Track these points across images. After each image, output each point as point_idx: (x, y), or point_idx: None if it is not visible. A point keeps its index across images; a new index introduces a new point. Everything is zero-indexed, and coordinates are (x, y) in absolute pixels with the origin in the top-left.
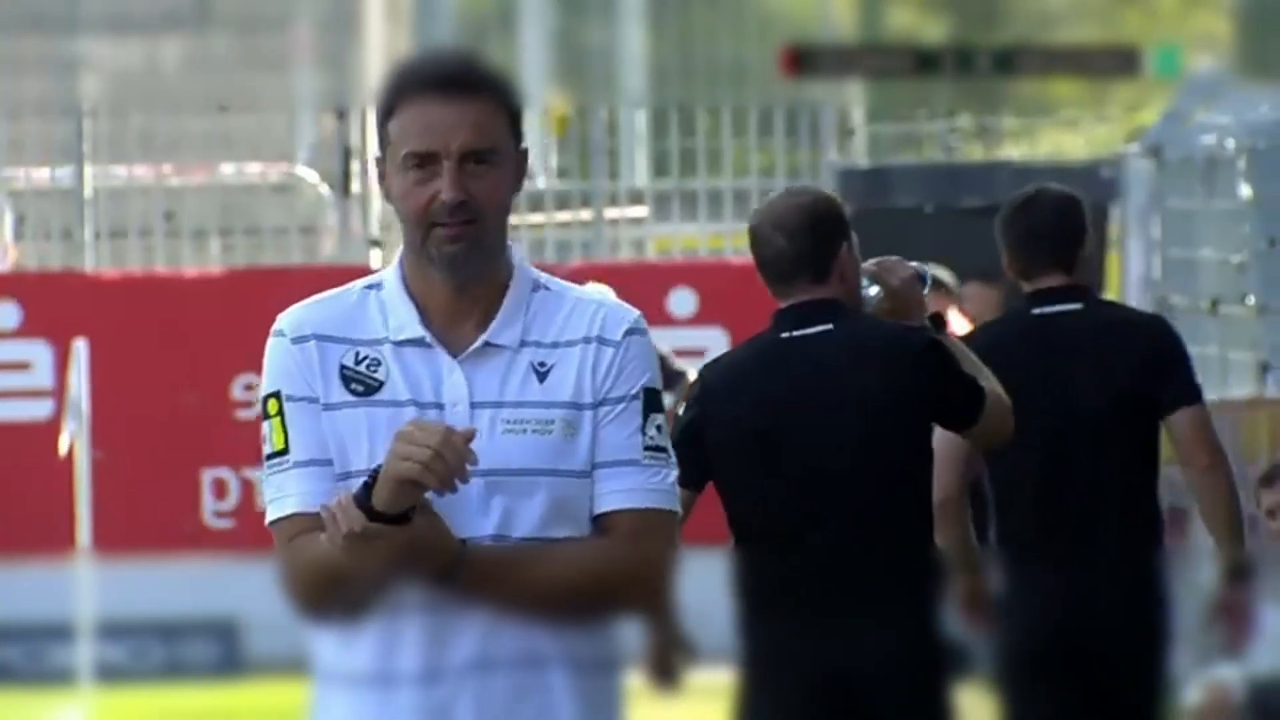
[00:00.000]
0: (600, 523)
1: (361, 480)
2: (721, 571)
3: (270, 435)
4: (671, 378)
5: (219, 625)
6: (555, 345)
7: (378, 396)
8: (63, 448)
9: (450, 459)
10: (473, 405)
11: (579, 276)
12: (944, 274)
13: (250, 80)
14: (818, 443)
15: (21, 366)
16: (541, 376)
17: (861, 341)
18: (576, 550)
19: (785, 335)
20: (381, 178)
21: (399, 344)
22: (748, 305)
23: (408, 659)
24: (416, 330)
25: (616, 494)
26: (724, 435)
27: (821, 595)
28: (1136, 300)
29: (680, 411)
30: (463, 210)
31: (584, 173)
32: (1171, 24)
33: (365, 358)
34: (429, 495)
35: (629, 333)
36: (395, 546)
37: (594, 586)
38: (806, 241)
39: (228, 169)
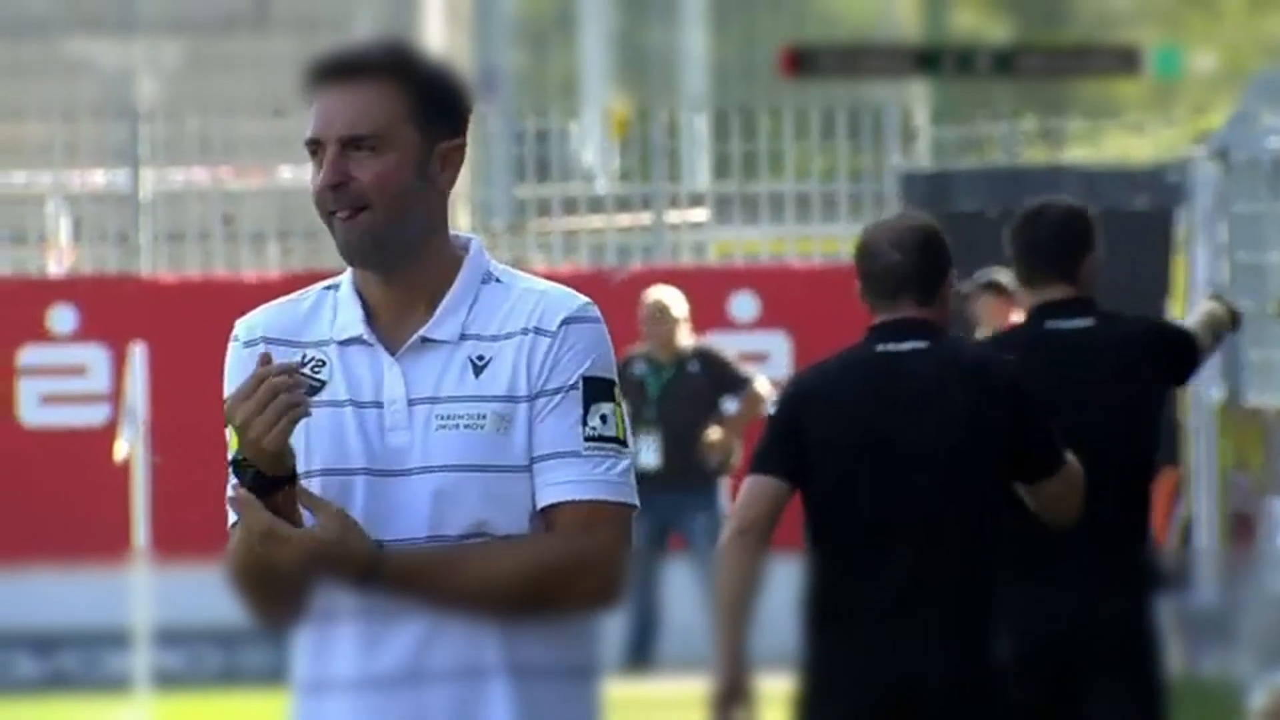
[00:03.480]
0: (543, 517)
1: (246, 475)
2: (778, 579)
3: (231, 440)
4: (739, 383)
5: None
6: (495, 338)
7: (319, 397)
8: (119, 453)
9: (278, 384)
10: (410, 403)
11: (640, 280)
12: (1005, 278)
13: None
14: (904, 457)
15: (78, 370)
16: (478, 370)
17: (954, 360)
18: (511, 546)
19: (881, 349)
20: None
21: (343, 343)
22: (810, 309)
23: (342, 665)
24: (358, 329)
25: (556, 486)
26: (816, 441)
27: (892, 607)
28: None
29: (768, 412)
30: (343, 194)
31: (645, 176)
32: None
33: (311, 359)
34: (347, 502)
35: (566, 321)
36: (304, 551)
37: (531, 581)
38: (919, 260)
39: (286, 172)
